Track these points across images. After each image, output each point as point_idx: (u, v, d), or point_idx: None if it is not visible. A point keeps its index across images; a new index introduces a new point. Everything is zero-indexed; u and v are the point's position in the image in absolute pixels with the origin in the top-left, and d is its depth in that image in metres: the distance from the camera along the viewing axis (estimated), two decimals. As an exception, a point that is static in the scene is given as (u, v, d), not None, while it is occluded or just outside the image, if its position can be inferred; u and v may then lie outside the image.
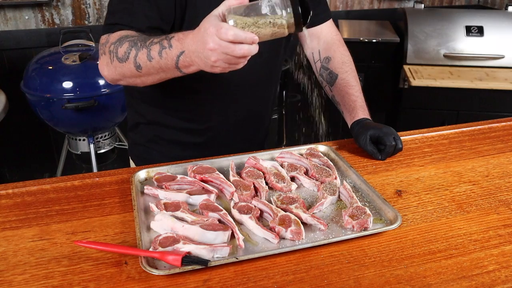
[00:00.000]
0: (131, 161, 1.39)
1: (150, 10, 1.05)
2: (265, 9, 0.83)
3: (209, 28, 0.84)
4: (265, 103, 1.35)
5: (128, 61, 0.99)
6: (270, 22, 0.83)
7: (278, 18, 0.83)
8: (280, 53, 1.30)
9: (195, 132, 1.27)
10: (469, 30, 2.61)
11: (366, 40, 2.74)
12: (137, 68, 0.99)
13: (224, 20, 0.84)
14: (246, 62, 0.88)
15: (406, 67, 2.61)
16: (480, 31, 2.60)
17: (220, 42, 0.82)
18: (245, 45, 0.83)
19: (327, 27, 1.34)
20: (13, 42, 2.64)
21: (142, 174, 1.06)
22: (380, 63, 2.81)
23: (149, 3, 1.05)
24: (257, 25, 0.83)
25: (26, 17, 2.65)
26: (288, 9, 0.82)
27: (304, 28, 0.87)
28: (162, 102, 1.25)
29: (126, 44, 1.00)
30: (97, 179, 1.07)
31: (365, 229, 0.87)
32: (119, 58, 1.01)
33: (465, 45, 2.60)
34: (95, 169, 2.37)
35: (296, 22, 0.83)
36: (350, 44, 3.03)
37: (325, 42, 1.33)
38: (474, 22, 2.63)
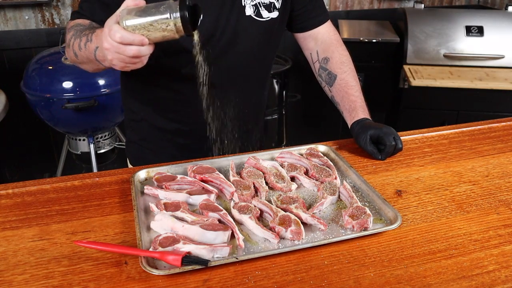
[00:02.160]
0: (128, 159, 1.40)
1: (113, 2, 1.06)
2: (155, 13, 0.86)
3: (105, 28, 0.89)
4: (253, 106, 1.33)
5: (69, 47, 1.08)
6: (159, 25, 0.86)
7: (167, 22, 0.86)
8: (267, 55, 1.29)
9: (182, 133, 1.27)
10: (469, 30, 2.61)
11: (366, 40, 2.74)
12: (75, 55, 1.07)
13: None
14: (143, 61, 0.91)
15: (406, 67, 2.61)
16: (480, 31, 2.60)
17: (112, 42, 0.87)
18: (134, 46, 0.86)
19: (324, 28, 1.33)
20: (13, 42, 2.64)
21: (142, 174, 1.06)
22: (380, 63, 2.82)
23: None
24: (147, 28, 0.86)
25: (26, 17, 2.65)
26: (175, 13, 0.85)
27: (195, 33, 0.91)
28: (151, 100, 1.26)
29: (72, 31, 1.08)
30: (97, 179, 1.07)
31: (365, 229, 0.87)
32: (67, 44, 1.10)
33: (465, 45, 2.60)
34: (95, 169, 2.37)
35: (184, 27, 0.86)
36: (350, 44, 3.02)
37: (322, 42, 1.32)
38: (474, 22, 2.63)
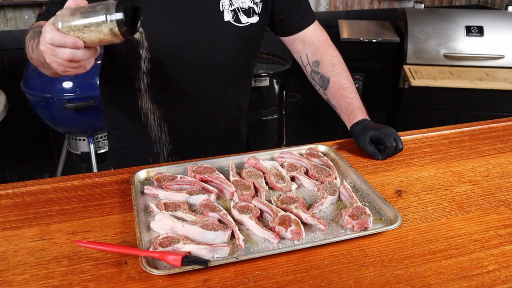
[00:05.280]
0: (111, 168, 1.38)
1: None
2: (91, 13, 0.79)
3: (42, 29, 0.83)
4: (234, 112, 1.31)
5: (26, 49, 1.01)
6: (94, 27, 0.79)
7: (102, 25, 0.78)
8: (247, 61, 1.27)
9: (162, 142, 1.26)
10: (469, 30, 2.61)
11: (366, 40, 2.74)
12: (30, 57, 1.00)
13: None
14: (85, 66, 0.84)
15: (406, 67, 2.61)
16: (480, 31, 2.60)
17: (47, 44, 0.80)
18: (67, 49, 0.79)
19: (311, 29, 1.30)
20: (13, 42, 2.64)
21: (142, 174, 1.06)
22: (380, 63, 2.81)
23: None
24: (81, 30, 0.79)
25: (26, 17, 2.65)
26: (112, 15, 0.78)
27: (139, 34, 0.84)
28: (129, 109, 1.24)
29: (30, 33, 1.02)
30: (97, 179, 1.07)
31: (365, 229, 0.87)
32: (25, 45, 1.02)
33: (465, 45, 2.60)
34: (95, 169, 2.37)
35: (121, 31, 0.79)
36: (350, 44, 3.00)
37: (311, 45, 1.30)
38: (474, 22, 2.63)
